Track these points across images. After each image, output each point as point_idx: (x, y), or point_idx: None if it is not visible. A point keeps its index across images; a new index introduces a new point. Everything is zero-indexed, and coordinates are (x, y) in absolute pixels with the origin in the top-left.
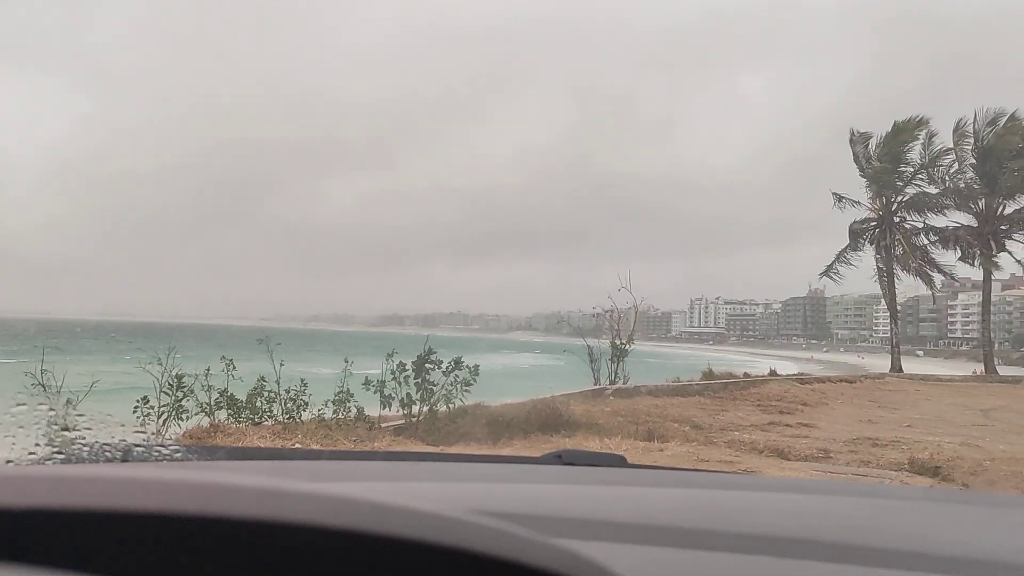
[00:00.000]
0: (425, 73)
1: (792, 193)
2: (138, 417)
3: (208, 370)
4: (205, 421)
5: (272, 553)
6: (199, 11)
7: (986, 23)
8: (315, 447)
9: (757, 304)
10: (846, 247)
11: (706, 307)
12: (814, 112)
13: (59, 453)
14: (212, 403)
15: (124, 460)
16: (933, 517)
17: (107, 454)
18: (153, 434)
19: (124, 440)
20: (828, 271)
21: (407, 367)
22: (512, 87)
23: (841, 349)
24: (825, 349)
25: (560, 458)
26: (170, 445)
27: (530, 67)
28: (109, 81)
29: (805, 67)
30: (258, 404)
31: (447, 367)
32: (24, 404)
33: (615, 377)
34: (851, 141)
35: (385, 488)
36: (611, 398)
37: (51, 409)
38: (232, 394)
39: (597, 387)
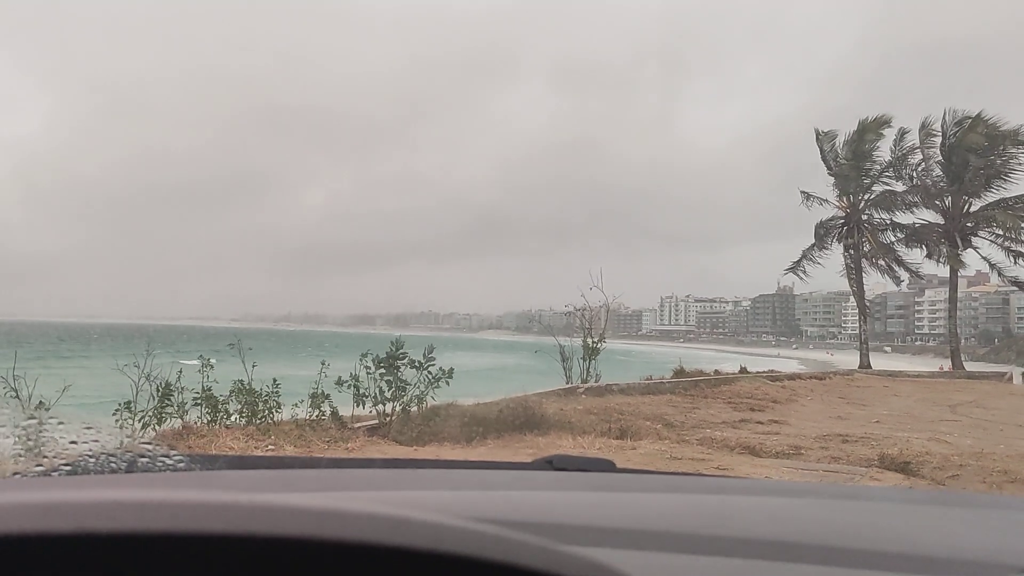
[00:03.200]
0: (401, 62)
1: (767, 190)
2: (117, 421)
3: (181, 372)
4: (178, 423)
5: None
6: (167, 8)
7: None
8: (288, 448)
9: (727, 302)
10: (812, 245)
11: (676, 305)
12: (796, 108)
13: (66, 465)
14: (184, 405)
15: (129, 471)
16: (914, 518)
17: (112, 465)
18: (128, 437)
19: (129, 451)
20: (795, 268)
21: (380, 364)
22: (494, 77)
23: (810, 346)
24: (795, 346)
25: (551, 464)
26: (174, 455)
27: (513, 57)
28: (74, 78)
29: (787, 64)
30: (230, 407)
31: (418, 362)
32: (35, 418)
33: (587, 375)
34: (817, 139)
35: (389, 497)
36: (583, 396)
37: (60, 422)
38: (212, 393)
39: (569, 386)
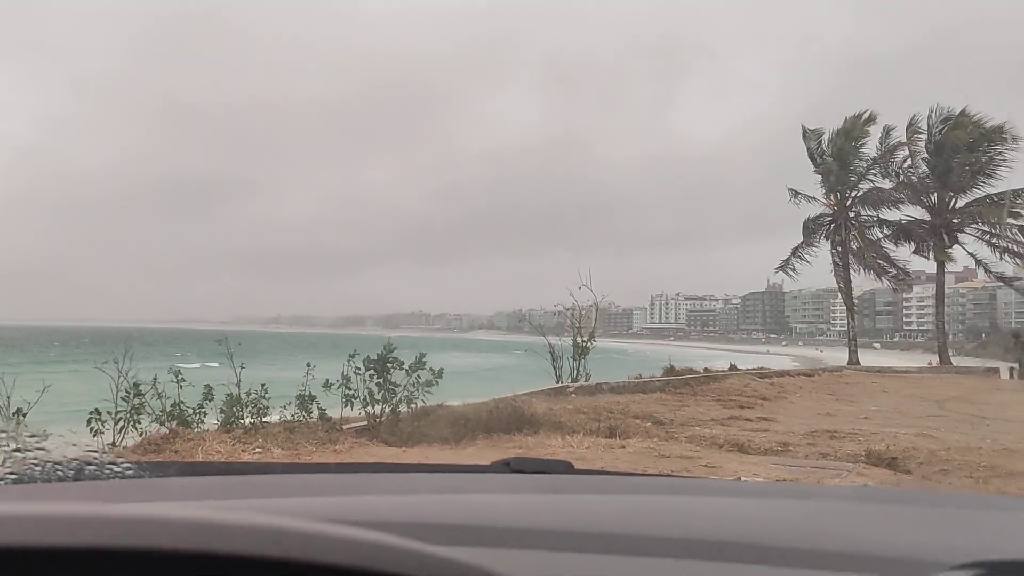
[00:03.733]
0: (390, 60)
1: (759, 187)
2: (92, 430)
3: (156, 378)
4: (165, 428)
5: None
6: (155, 10)
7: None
8: (276, 451)
9: (717, 300)
10: (801, 242)
11: (666, 303)
12: (790, 104)
13: (11, 473)
14: (165, 412)
15: (76, 479)
16: (866, 517)
17: (59, 473)
18: (109, 444)
19: (76, 459)
20: (784, 266)
21: (369, 367)
22: (486, 75)
23: (800, 343)
24: (784, 343)
25: (508, 466)
26: (122, 462)
27: (505, 55)
28: (61, 79)
29: (781, 59)
30: (207, 410)
31: (410, 366)
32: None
33: (577, 375)
34: (804, 137)
35: (331, 502)
36: (573, 396)
37: (2, 432)
38: (183, 404)
39: (559, 385)
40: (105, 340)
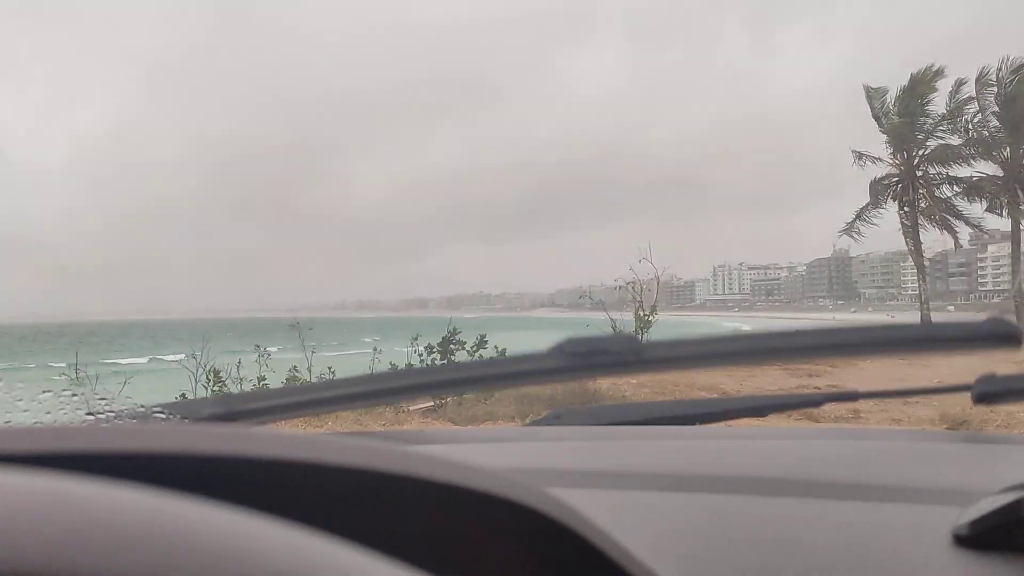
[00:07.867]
0: (456, 28)
1: (834, 150)
2: None
3: (240, 362)
4: None
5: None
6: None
7: None
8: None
9: (781, 268)
10: (867, 204)
11: (729, 273)
12: (890, 55)
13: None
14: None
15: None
16: (916, 454)
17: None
18: None
19: (142, 407)
20: (848, 229)
21: (433, 349)
22: (563, 38)
23: (869, 309)
24: (853, 309)
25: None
26: (155, 408)
27: (584, 15)
28: (134, 65)
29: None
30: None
31: (472, 346)
32: (50, 391)
33: None
34: (867, 96)
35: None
36: None
37: (73, 395)
38: (267, 381)
39: None
40: (173, 332)
